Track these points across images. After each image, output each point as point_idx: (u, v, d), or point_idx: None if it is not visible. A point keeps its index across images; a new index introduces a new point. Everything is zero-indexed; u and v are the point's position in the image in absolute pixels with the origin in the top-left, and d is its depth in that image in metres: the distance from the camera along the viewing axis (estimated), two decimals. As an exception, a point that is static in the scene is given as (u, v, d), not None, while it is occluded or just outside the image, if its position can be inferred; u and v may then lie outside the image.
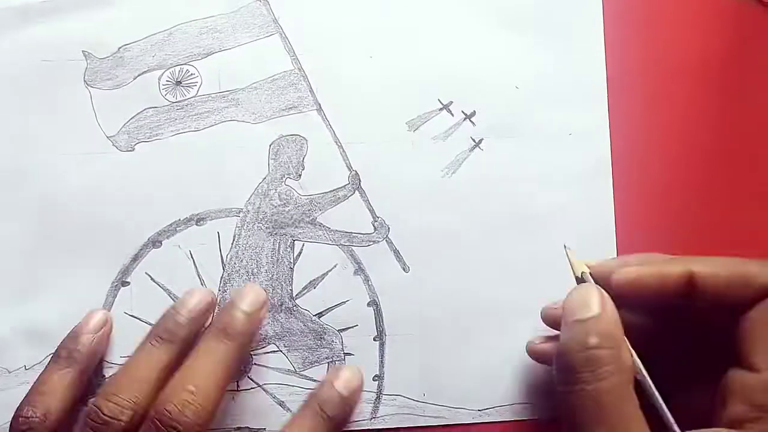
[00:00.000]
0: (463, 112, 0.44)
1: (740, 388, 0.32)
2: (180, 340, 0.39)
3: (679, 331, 0.37)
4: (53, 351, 0.41)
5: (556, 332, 0.38)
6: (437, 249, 0.43)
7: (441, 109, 0.44)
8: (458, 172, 0.44)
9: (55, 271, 0.42)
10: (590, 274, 0.37)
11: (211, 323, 0.40)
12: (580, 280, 0.38)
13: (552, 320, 0.40)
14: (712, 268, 0.34)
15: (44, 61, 0.43)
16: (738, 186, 0.44)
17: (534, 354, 0.41)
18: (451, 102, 0.44)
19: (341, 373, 0.41)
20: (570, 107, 0.44)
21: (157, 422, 0.36)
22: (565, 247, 0.39)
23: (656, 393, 0.34)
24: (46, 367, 0.40)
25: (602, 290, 0.35)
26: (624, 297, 0.35)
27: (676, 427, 0.33)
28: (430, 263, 0.43)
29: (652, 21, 0.45)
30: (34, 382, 0.40)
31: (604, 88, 0.44)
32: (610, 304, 0.34)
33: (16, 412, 0.39)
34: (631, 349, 0.34)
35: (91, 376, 0.41)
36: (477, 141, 0.44)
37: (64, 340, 0.41)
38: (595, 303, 0.34)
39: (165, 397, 0.37)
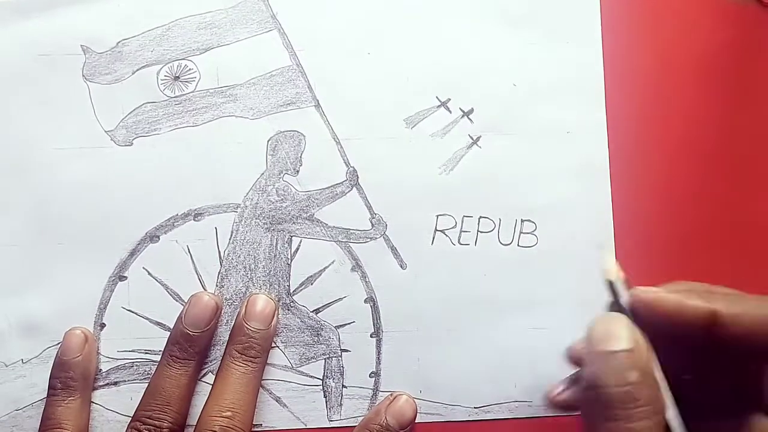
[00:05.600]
0: (461, 109, 0.44)
1: None
2: (195, 353, 0.41)
3: (702, 369, 0.34)
4: (50, 344, 0.42)
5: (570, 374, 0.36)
6: (434, 246, 0.43)
7: (439, 106, 0.44)
8: (456, 169, 0.44)
9: (53, 264, 0.42)
10: (624, 282, 0.34)
11: (230, 341, 0.41)
12: (609, 285, 0.34)
13: (577, 358, 0.37)
14: (738, 308, 0.31)
15: (42, 55, 0.43)
16: (736, 184, 0.44)
17: (555, 404, 0.37)
18: (449, 99, 0.44)
19: (395, 402, 0.42)
20: (568, 105, 0.44)
21: None
22: (602, 246, 0.37)
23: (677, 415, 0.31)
24: (47, 401, 0.40)
25: (629, 320, 0.32)
26: (639, 318, 0.32)
27: None
28: (427, 260, 0.43)
29: (650, 19, 0.45)
30: (42, 420, 0.40)
31: (602, 85, 0.44)
32: (642, 338, 0.31)
33: None
34: (667, 388, 0.31)
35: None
36: (475, 138, 0.44)
37: (53, 370, 0.41)
38: (624, 335, 0.31)
39: (204, 425, 0.39)
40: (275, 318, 0.42)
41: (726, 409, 0.33)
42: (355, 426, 0.42)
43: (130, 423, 0.39)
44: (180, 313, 0.41)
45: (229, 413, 0.39)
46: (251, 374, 0.40)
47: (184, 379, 0.40)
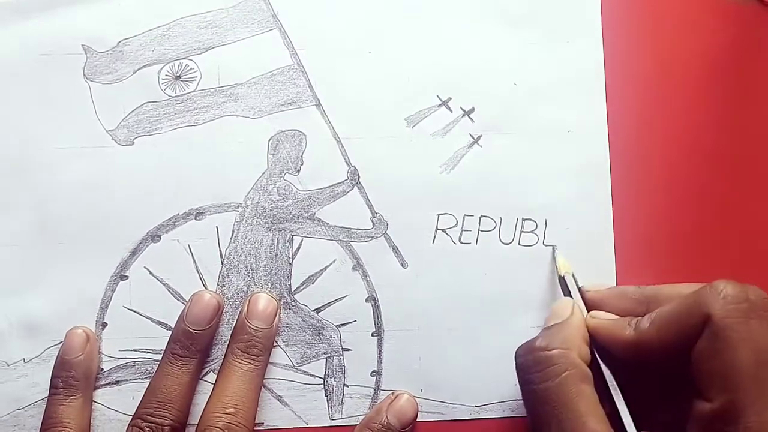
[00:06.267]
0: (461, 108, 0.44)
1: (698, 416, 0.32)
2: (197, 352, 0.41)
3: (638, 367, 0.37)
4: (51, 344, 0.42)
5: None
6: (436, 245, 0.43)
7: (440, 106, 0.44)
8: (457, 168, 0.44)
9: (54, 264, 0.42)
10: (573, 276, 0.41)
11: (232, 340, 0.41)
12: (561, 280, 0.41)
13: None
14: (655, 326, 0.35)
15: (43, 54, 0.43)
16: (737, 183, 0.44)
17: None
18: (450, 98, 0.44)
19: (396, 402, 0.42)
20: (568, 104, 0.44)
21: None
22: (553, 247, 0.42)
23: (614, 386, 0.36)
24: (49, 400, 0.40)
25: (575, 301, 0.39)
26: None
27: (632, 426, 0.34)
28: (428, 259, 0.43)
29: (651, 18, 0.45)
30: (43, 419, 0.40)
31: (603, 84, 0.44)
32: (577, 315, 0.38)
33: None
34: (613, 380, 0.36)
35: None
36: (476, 137, 0.44)
37: (54, 369, 0.41)
38: (567, 312, 0.38)
39: (207, 422, 0.39)
40: (277, 317, 0.42)
41: (667, 397, 0.36)
42: (356, 425, 0.42)
43: (131, 421, 0.39)
44: (181, 312, 0.41)
45: (232, 410, 0.39)
46: (254, 372, 0.40)
47: (186, 377, 0.40)
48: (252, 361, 0.40)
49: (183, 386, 0.40)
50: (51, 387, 0.40)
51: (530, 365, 0.36)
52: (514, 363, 0.37)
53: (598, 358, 0.37)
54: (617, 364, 0.37)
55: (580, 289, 0.41)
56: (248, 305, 0.42)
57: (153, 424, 0.39)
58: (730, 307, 0.33)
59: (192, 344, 0.41)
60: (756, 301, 0.33)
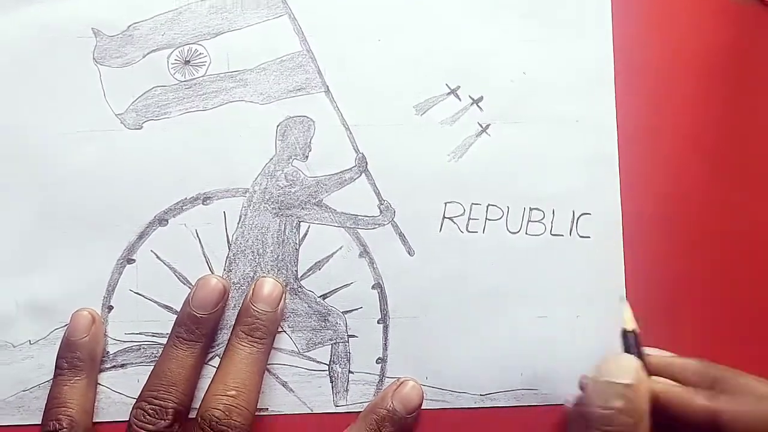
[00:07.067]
0: (470, 97, 0.44)
1: None
2: (202, 335, 0.41)
3: None
4: (57, 326, 0.42)
5: None
6: (442, 233, 0.43)
7: (449, 94, 0.44)
8: (465, 156, 0.44)
9: (61, 246, 0.42)
10: (636, 334, 0.40)
11: (237, 322, 0.41)
12: (625, 335, 0.40)
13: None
14: (738, 407, 0.35)
15: (53, 38, 0.43)
16: (742, 177, 0.44)
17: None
18: (459, 87, 0.44)
19: (401, 388, 0.42)
20: (577, 94, 0.44)
21: (207, 427, 0.38)
22: (624, 299, 0.42)
23: None
24: (54, 382, 0.40)
25: (641, 365, 0.37)
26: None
27: None
28: (435, 247, 0.43)
29: (659, 10, 0.45)
30: (48, 399, 0.40)
31: (612, 75, 0.44)
32: (646, 381, 0.36)
33: (41, 430, 0.39)
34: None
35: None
36: (484, 126, 0.44)
37: (60, 350, 0.41)
38: (632, 374, 0.35)
39: (209, 403, 0.38)
40: (282, 301, 0.42)
41: None
42: (361, 411, 0.42)
43: (135, 403, 0.39)
44: (187, 296, 0.41)
45: (233, 392, 0.39)
46: (257, 355, 0.40)
47: (191, 360, 0.40)
48: (255, 344, 0.40)
49: (187, 369, 0.40)
50: (56, 368, 0.41)
51: (597, 419, 0.34)
52: (575, 409, 0.36)
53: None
54: None
55: (640, 351, 0.39)
56: (254, 289, 0.42)
57: (157, 407, 0.39)
58: None
59: (197, 328, 0.41)
60: None
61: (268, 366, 0.42)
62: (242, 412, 0.38)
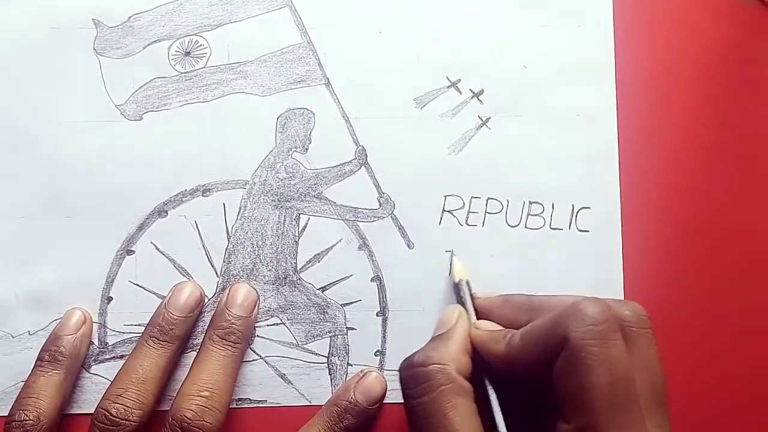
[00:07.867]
0: (471, 90, 0.44)
1: None
2: (175, 337, 0.40)
3: (511, 381, 0.37)
4: (57, 317, 0.42)
5: None
6: (442, 226, 0.43)
7: (449, 87, 0.44)
8: (465, 149, 0.44)
9: (61, 237, 0.42)
10: (467, 283, 0.41)
11: (211, 326, 0.41)
12: (455, 287, 0.41)
13: None
14: (527, 333, 0.35)
15: (54, 28, 0.43)
16: (742, 172, 0.44)
17: None
18: (459, 80, 0.44)
19: (364, 379, 0.42)
20: (578, 88, 0.44)
21: (177, 428, 0.37)
22: (450, 252, 0.43)
23: (494, 398, 0.36)
24: (32, 371, 0.40)
25: (463, 310, 0.39)
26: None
27: None
28: (434, 240, 0.43)
29: (661, 6, 0.45)
30: (22, 388, 0.40)
31: (613, 69, 0.44)
32: (461, 325, 0.38)
33: (7, 417, 0.39)
34: (493, 392, 0.36)
35: (77, 375, 0.42)
36: (484, 119, 0.44)
37: (45, 342, 0.41)
38: (452, 322, 0.38)
39: (181, 403, 0.38)
40: (256, 308, 0.42)
41: (537, 415, 0.35)
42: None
43: (99, 403, 0.38)
44: (162, 301, 0.41)
45: (206, 393, 0.38)
46: (231, 358, 0.40)
47: (162, 360, 0.40)
48: (229, 347, 0.40)
49: (158, 369, 0.39)
50: (37, 359, 0.40)
51: (408, 381, 0.35)
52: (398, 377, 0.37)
53: (482, 371, 0.37)
54: (499, 376, 0.37)
55: (472, 297, 0.40)
56: (228, 295, 0.41)
57: (121, 406, 0.38)
58: (588, 329, 0.32)
59: (171, 329, 0.40)
60: (624, 319, 0.33)
61: (266, 357, 0.43)
62: (214, 414, 0.38)
